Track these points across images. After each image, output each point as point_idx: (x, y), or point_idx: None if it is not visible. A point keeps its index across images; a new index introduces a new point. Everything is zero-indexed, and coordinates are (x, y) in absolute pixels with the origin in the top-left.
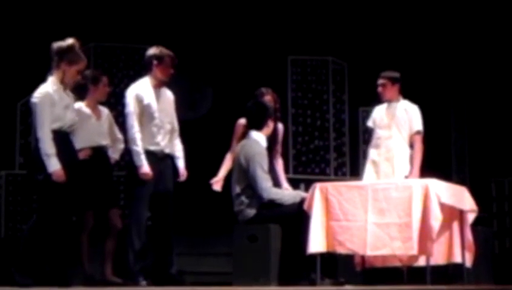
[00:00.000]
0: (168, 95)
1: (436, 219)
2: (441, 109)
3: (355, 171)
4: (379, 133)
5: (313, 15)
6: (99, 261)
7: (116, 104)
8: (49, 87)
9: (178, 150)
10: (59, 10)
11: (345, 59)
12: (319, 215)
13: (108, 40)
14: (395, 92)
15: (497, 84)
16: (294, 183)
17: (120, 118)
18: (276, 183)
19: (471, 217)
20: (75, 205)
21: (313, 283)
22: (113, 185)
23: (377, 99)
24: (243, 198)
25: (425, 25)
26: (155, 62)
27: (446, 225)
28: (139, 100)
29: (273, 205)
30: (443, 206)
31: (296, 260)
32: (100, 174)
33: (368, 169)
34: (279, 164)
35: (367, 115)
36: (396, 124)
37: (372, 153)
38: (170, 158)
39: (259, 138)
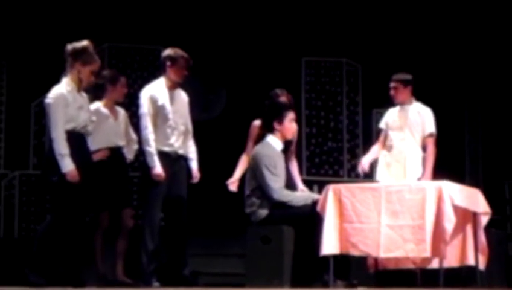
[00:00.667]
0: (182, 96)
1: (450, 221)
2: (455, 111)
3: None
4: (391, 135)
5: (327, 17)
6: (111, 261)
7: (130, 105)
8: (63, 88)
9: (192, 152)
10: (73, 11)
11: (359, 61)
12: (332, 217)
13: (123, 41)
14: (407, 94)
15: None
16: (308, 185)
17: (134, 119)
18: (291, 185)
19: (484, 220)
20: (88, 206)
21: (326, 285)
22: (128, 186)
23: (391, 102)
24: (254, 199)
25: (438, 26)
26: (168, 63)
27: (459, 228)
28: (153, 101)
29: (285, 206)
30: (456, 209)
31: (309, 261)
32: (116, 175)
33: (381, 171)
34: (294, 165)
35: (381, 116)
36: (409, 127)
37: (385, 155)
38: (184, 160)
39: (272, 141)
